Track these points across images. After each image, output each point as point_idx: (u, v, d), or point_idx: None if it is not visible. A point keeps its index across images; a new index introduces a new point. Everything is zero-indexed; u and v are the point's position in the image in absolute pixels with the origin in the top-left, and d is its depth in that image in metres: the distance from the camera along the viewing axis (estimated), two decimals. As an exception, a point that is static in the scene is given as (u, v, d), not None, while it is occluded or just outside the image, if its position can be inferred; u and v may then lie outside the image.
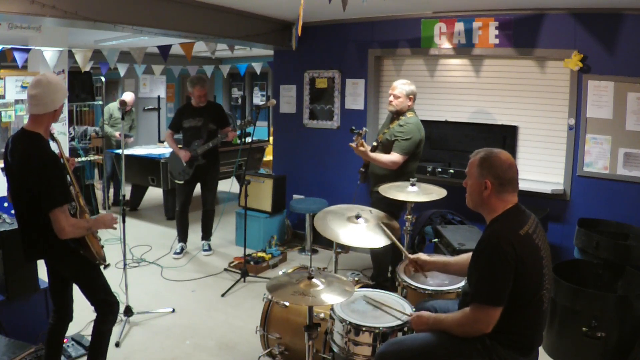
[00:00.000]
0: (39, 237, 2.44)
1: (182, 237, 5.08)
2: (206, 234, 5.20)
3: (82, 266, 2.53)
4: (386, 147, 3.84)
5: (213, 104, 5.04)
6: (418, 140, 3.80)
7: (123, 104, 3.84)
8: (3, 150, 2.57)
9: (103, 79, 6.50)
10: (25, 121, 4.60)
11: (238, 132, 4.94)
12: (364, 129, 3.79)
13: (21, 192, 2.41)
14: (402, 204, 3.49)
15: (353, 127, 3.77)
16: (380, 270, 4.07)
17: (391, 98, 3.89)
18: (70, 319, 2.69)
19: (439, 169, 4.49)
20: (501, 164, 1.99)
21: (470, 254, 2.40)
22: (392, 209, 3.58)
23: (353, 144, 3.74)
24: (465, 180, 2.11)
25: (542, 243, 1.98)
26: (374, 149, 3.91)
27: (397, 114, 3.90)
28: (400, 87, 3.85)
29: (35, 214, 2.38)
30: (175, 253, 5.00)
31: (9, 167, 2.44)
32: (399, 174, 3.78)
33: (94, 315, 2.85)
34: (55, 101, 2.43)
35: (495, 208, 2.00)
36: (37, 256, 2.56)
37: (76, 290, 2.60)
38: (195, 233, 5.31)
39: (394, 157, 3.75)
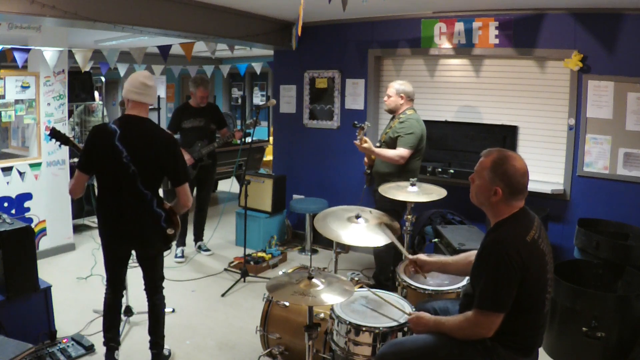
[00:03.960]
0: (148, 222, 2.71)
1: (182, 240, 5.04)
2: (200, 236, 5.19)
3: (161, 247, 2.87)
4: (390, 147, 3.85)
5: (211, 105, 5.05)
6: (420, 135, 3.81)
7: (123, 104, 3.85)
8: (94, 138, 2.69)
9: (103, 79, 6.49)
10: (26, 121, 4.68)
11: (244, 130, 4.94)
12: (367, 123, 3.82)
13: (146, 174, 2.63)
14: (405, 202, 3.49)
15: (355, 122, 3.82)
16: (382, 269, 4.07)
17: (385, 97, 3.97)
18: (124, 289, 3.03)
19: (439, 169, 4.49)
20: (515, 173, 1.91)
21: (468, 253, 2.40)
22: (396, 207, 3.59)
23: (357, 141, 3.76)
24: (472, 176, 2.03)
25: (547, 247, 1.95)
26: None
27: (392, 113, 3.96)
28: (393, 86, 3.90)
29: (146, 197, 2.65)
30: (177, 257, 4.94)
31: (119, 153, 2.58)
32: (402, 171, 3.78)
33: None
34: (156, 96, 2.80)
35: (502, 213, 1.96)
36: (138, 239, 2.77)
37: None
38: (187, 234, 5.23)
39: (400, 151, 3.76)
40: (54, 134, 3.05)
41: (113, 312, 2.94)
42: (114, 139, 2.59)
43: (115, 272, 2.90)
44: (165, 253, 2.99)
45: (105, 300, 2.92)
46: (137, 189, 2.64)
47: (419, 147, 3.84)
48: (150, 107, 2.76)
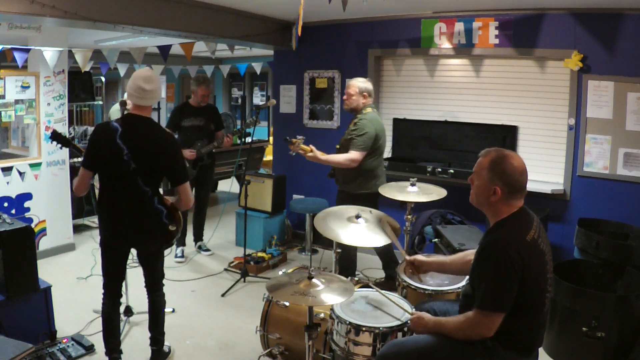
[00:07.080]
0: (149, 219, 2.73)
1: (182, 240, 5.04)
2: (199, 236, 5.19)
3: (163, 243, 2.88)
4: (345, 148, 3.77)
5: (211, 106, 5.05)
6: (374, 134, 3.68)
7: (124, 104, 3.84)
8: (96, 136, 2.73)
9: (103, 79, 6.49)
10: (26, 121, 4.68)
11: (244, 130, 4.94)
12: (298, 137, 3.65)
13: (147, 171, 2.65)
14: (370, 200, 3.45)
15: (287, 137, 3.65)
16: (392, 262, 3.97)
17: (345, 97, 3.83)
18: (121, 296, 2.94)
19: (439, 169, 4.49)
20: (513, 171, 1.91)
21: (465, 252, 2.41)
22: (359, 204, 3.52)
23: (291, 153, 3.64)
24: (471, 177, 2.03)
25: (546, 247, 1.95)
26: (337, 152, 3.84)
27: (353, 112, 3.83)
28: (354, 84, 3.78)
29: (147, 194, 2.67)
30: (177, 257, 4.94)
31: (120, 150, 2.60)
32: (360, 171, 3.72)
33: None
34: (158, 97, 2.78)
35: (501, 212, 1.95)
36: (139, 236, 2.77)
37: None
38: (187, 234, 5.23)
39: (351, 154, 3.66)
40: (55, 136, 3.15)
41: (112, 322, 2.89)
42: (115, 137, 2.61)
43: (113, 275, 2.85)
44: (165, 252, 2.99)
45: (103, 308, 2.87)
46: (137, 187, 2.65)
47: (375, 147, 3.73)
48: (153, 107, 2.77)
